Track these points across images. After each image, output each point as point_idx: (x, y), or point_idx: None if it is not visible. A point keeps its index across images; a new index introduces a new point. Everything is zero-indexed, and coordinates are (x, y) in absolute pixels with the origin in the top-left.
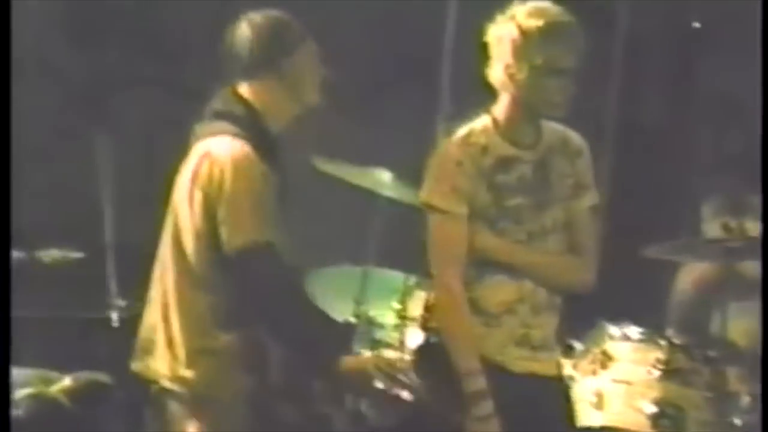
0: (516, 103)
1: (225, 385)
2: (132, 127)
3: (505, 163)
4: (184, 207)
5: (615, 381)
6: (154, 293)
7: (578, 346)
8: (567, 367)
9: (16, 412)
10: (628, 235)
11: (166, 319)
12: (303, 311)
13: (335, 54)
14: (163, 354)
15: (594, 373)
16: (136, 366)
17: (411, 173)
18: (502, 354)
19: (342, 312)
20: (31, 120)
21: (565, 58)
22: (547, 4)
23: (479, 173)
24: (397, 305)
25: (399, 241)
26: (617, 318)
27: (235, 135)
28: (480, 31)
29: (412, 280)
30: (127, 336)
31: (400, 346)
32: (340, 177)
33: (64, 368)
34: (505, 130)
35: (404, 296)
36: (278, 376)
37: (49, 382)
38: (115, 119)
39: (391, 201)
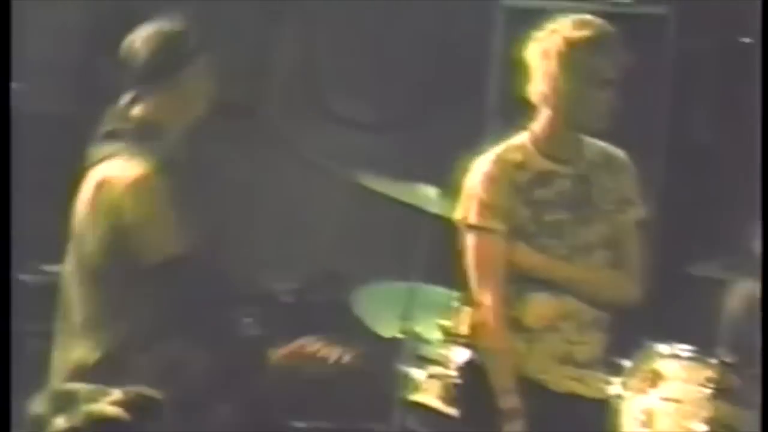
0: (557, 117)
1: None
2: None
3: (542, 179)
4: (89, 235)
5: (665, 399)
6: (62, 324)
7: (627, 364)
8: (615, 386)
9: (72, 426)
10: (677, 252)
11: (70, 348)
12: (228, 316)
13: (384, 71)
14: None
15: (643, 391)
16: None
17: (458, 189)
18: (545, 372)
19: (389, 328)
20: (78, 135)
21: (610, 69)
22: (590, 17)
23: (515, 189)
24: (443, 321)
25: (446, 257)
26: (666, 336)
27: (129, 156)
28: (522, 49)
29: (458, 296)
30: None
31: (447, 362)
32: (386, 193)
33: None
34: (544, 145)
35: (450, 312)
36: (199, 387)
37: (101, 394)
38: None
39: (437, 217)
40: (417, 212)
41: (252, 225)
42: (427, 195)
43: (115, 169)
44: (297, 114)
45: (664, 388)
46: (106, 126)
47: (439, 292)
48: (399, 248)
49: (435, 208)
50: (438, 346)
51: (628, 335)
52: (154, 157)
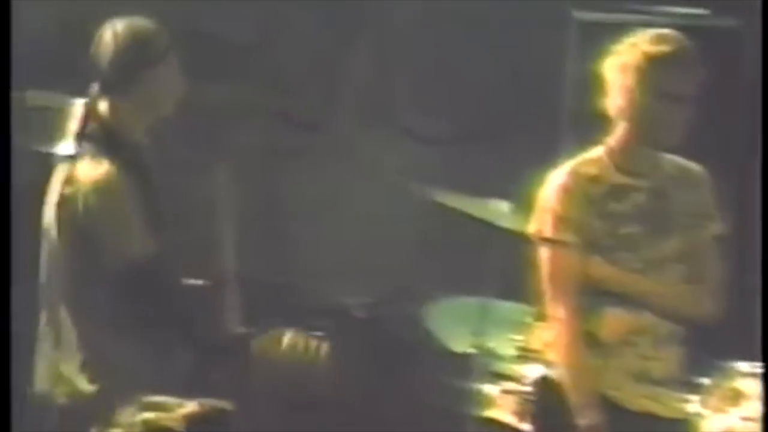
0: (633, 131)
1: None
2: (251, 157)
3: (617, 192)
4: (53, 232)
5: (745, 419)
6: (46, 325)
7: (705, 382)
8: (694, 404)
9: None
10: (754, 267)
11: (59, 343)
12: (195, 314)
13: (457, 85)
14: (68, 376)
15: (723, 410)
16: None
17: (530, 203)
18: (619, 389)
19: (461, 343)
20: (157, 152)
21: (687, 85)
22: (669, 31)
23: (590, 202)
24: (516, 337)
25: (519, 271)
26: (745, 353)
27: (94, 155)
28: (598, 63)
29: (531, 311)
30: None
31: (521, 377)
32: (458, 208)
33: (186, 394)
34: (619, 158)
35: (524, 327)
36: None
37: (170, 407)
38: (235, 150)
39: (509, 232)
40: (489, 227)
41: (325, 240)
42: (500, 210)
43: (81, 169)
44: (370, 129)
45: (744, 407)
46: (74, 123)
47: (512, 307)
48: (472, 263)
49: (507, 223)
50: (511, 361)
51: (705, 353)
52: (115, 157)
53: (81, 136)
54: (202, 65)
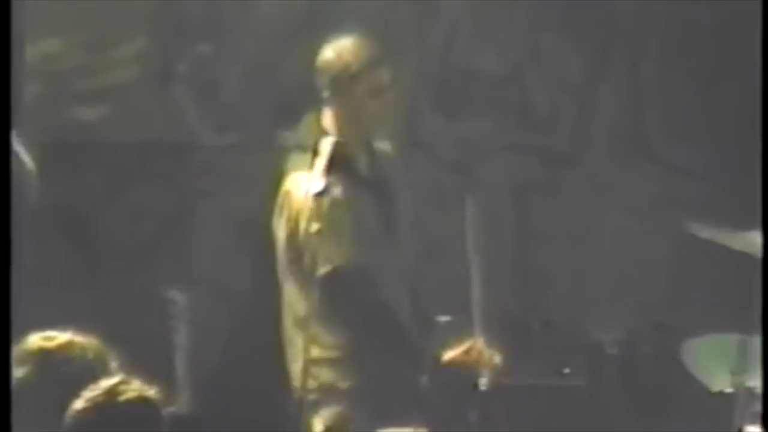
0: None
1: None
2: (503, 193)
3: None
4: (279, 240)
5: None
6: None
7: None
8: None
9: None
10: None
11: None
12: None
13: (712, 112)
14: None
15: None
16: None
17: None
18: None
19: (720, 382)
20: (408, 185)
21: None
22: None
23: None
24: None
25: None
26: None
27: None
28: None
29: None
30: (495, 401)
31: None
32: (716, 241)
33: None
34: None
35: None
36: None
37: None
38: (486, 185)
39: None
40: (749, 260)
41: (577, 275)
42: (759, 242)
43: (297, 181)
44: (623, 160)
45: None
46: (299, 136)
47: None
48: (730, 297)
49: None
50: None
51: None
52: (334, 170)
53: (328, 173)
54: (453, 99)
